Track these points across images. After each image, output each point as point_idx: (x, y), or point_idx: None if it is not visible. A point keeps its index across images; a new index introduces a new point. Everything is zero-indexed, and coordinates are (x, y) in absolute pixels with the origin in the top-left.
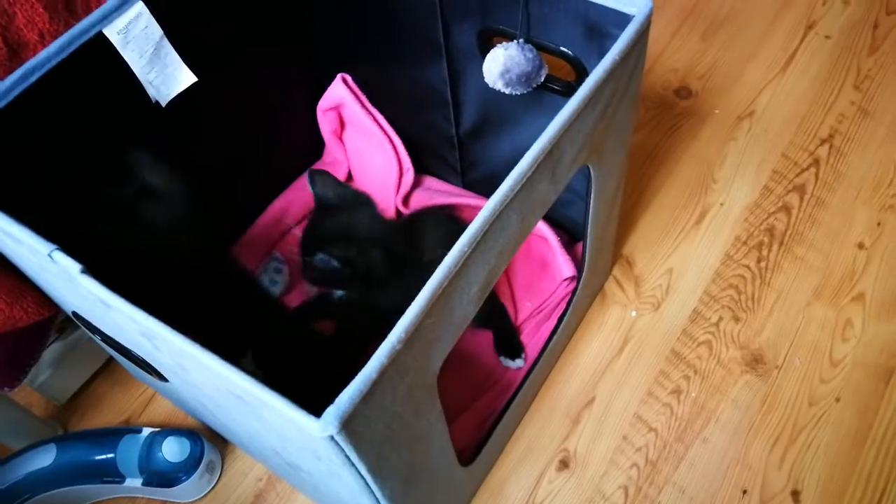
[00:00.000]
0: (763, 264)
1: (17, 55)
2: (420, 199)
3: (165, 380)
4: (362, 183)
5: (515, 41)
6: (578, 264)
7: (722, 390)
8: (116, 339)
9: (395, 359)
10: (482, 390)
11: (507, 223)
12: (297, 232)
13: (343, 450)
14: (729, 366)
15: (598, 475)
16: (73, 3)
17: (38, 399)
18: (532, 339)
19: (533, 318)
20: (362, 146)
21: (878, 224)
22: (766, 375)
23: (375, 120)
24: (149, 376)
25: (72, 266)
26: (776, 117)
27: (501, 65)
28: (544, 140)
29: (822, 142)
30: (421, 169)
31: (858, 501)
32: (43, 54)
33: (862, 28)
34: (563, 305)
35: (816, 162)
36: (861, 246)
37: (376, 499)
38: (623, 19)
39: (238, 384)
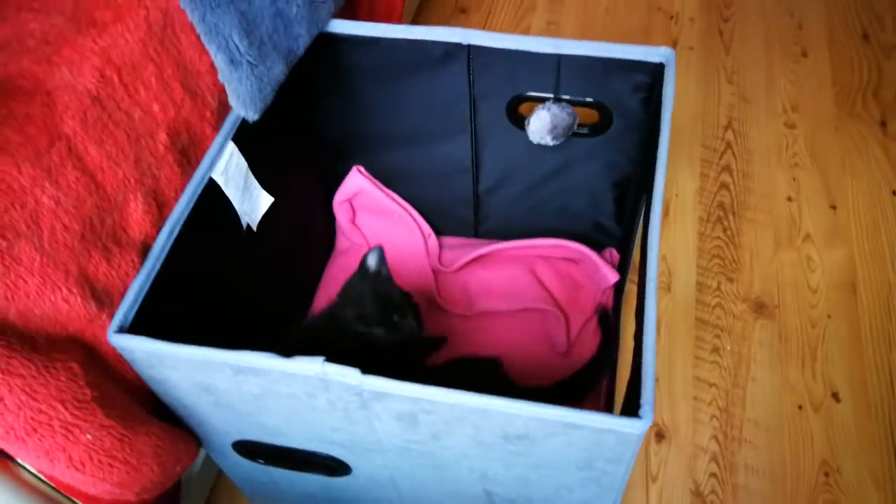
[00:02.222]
0: (729, 233)
1: (162, 213)
2: (454, 258)
3: (346, 472)
4: (389, 257)
5: (552, 102)
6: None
7: (747, 337)
8: (303, 448)
9: None
10: None
11: None
12: None
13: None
14: (743, 317)
15: (691, 434)
16: (191, 156)
17: None
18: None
19: (588, 325)
20: (382, 226)
21: (794, 179)
22: (772, 316)
23: (393, 199)
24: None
25: (348, 372)
26: (684, 120)
27: (549, 123)
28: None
29: (726, 128)
30: (434, 230)
31: (878, 384)
32: (177, 209)
33: (712, 36)
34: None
35: (729, 145)
36: (790, 199)
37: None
38: (642, 65)
39: (548, 414)
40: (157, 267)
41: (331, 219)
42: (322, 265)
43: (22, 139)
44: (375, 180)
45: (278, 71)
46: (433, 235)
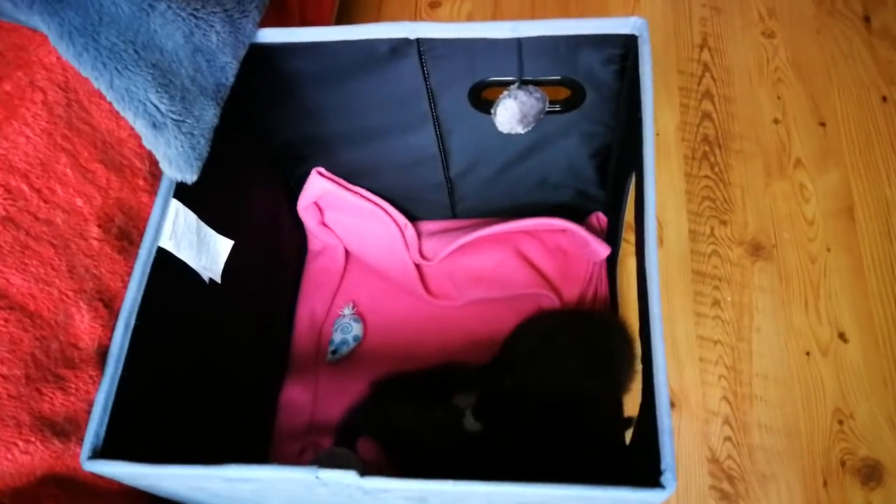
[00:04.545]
0: (717, 169)
1: (112, 309)
2: (434, 248)
3: None
4: (367, 254)
5: (517, 87)
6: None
7: (746, 284)
8: None
9: None
10: None
11: None
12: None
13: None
14: (740, 262)
15: (700, 398)
16: (131, 234)
17: None
18: None
19: (584, 297)
20: (354, 222)
21: (779, 97)
22: (770, 256)
23: (361, 195)
24: None
25: (345, 476)
26: (655, 42)
27: (517, 112)
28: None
29: (701, 48)
30: (408, 217)
31: (884, 316)
32: (128, 298)
33: None
34: (601, 282)
35: (706, 66)
36: (776, 121)
37: None
38: (612, 38)
39: (562, 493)
40: (119, 371)
41: (298, 225)
42: (297, 272)
43: None
44: (338, 179)
45: (210, 116)
46: (410, 226)
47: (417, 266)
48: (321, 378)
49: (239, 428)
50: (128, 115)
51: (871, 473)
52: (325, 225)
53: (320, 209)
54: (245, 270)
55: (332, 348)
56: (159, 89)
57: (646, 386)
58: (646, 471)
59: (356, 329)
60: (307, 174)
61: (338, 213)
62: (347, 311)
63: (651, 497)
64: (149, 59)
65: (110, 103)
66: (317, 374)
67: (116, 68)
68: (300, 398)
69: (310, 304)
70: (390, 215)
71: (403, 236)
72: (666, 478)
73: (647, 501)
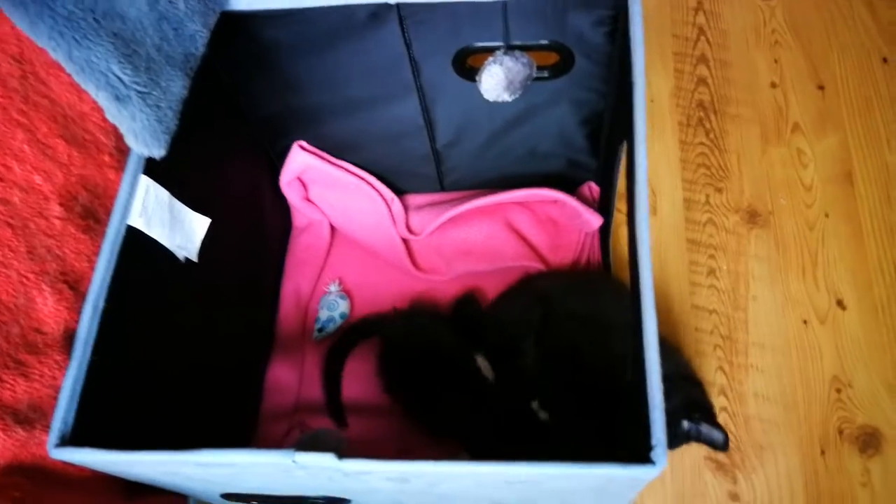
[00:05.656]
0: (712, 136)
1: (79, 291)
2: (422, 221)
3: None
4: (353, 230)
5: (503, 53)
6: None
7: (742, 252)
8: (294, 495)
9: None
10: None
11: None
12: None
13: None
14: (736, 230)
15: (696, 369)
16: (97, 212)
17: None
18: None
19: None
20: (338, 197)
21: (776, 61)
22: (767, 223)
23: (345, 169)
24: None
25: (323, 458)
26: (649, 6)
27: (503, 79)
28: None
29: (696, 10)
30: (396, 191)
31: (883, 283)
32: (96, 279)
33: None
34: (593, 251)
35: (701, 30)
36: (773, 85)
37: None
38: None
39: (546, 471)
40: (88, 355)
41: (282, 201)
42: (281, 248)
43: None
44: (321, 153)
45: (178, 87)
46: (396, 200)
47: (405, 241)
48: (308, 357)
49: (223, 409)
50: (89, 88)
51: (868, 441)
52: (309, 200)
53: (304, 184)
54: (225, 248)
55: (318, 326)
56: (122, 60)
57: (636, 359)
58: (636, 446)
59: (343, 306)
60: (289, 148)
61: (322, 188)
62: (334, 287)
63: (641, 473)
64: (110, 28)
65: (70, 75)
66: (303, 352)
67: (75, 38)
68: (286, 378)
69: (295, 282)
70: (376, 189)
71: (390, 210)
72: (656, 453)
73: (637, 478)
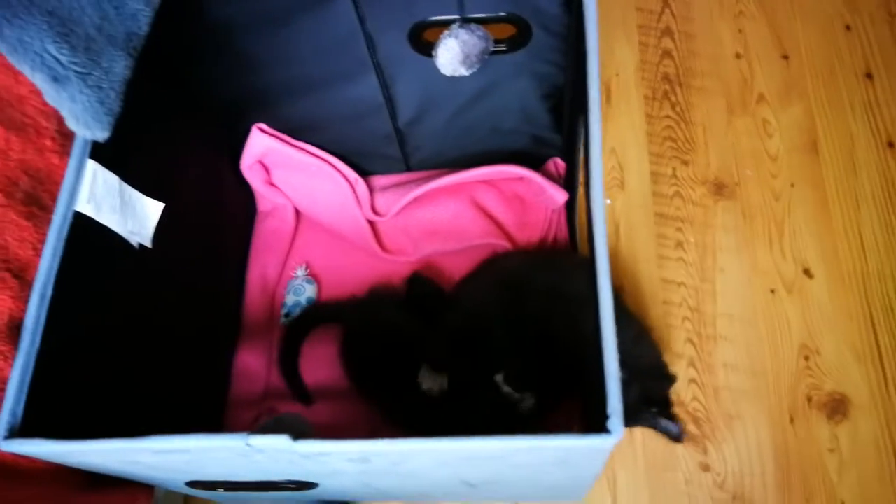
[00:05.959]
0: (678, 108)
1: (24, 280)
2: (388, 202)
3: (313, 486)
4: (318, 213)
5: (458, 26)
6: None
7: (710, 224)
8: (259, 479)
9: None
10: None
11: None
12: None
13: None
14: (703, 202)
15: (666, 343)
16: (41, 199)
17: None
18: None
19: (542, 245)
20: (302, 180)
21: (740, 31)
22: (733, 195)
23: (307, 151)
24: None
25: (277, 440)
26: None
27: (460, 53)
28: None
29: None
30: (361, 172)
31: (848, 250)
32: (42, 267)
33: None
34: (560, 228)
35: (666, 2)
36: (738, 56)
37: None
38: None
39: (504, 445)
40: (37, 344)
41: (244, 185)
42: (246, 233)
43: None
44: (281, 135)
45: (121, 68)
46: (360, 181)
47: (371, 222)
48: (276, 343)
49: (189, 397)
50: (24, 69)
51: (836, 407)
52: (272, 184)
53: (266, 168)
54: (182, 233)
55: (284, 311)
56: (58, 39)
57: (594, 329)
58: (594, 416)
59: (309, 291)
60: (248, 131)
61: (285, 172)
62: (300, 272)
63: (598, 443)
64: (44, 7)
65: (4, 56)
66: (271, 338)
67: (5, 17)
68: (254, 364)
69: (261, 267)
70: (339, 171)
71: (354, 192)
72: (612, 423)
73: (595, 447)
